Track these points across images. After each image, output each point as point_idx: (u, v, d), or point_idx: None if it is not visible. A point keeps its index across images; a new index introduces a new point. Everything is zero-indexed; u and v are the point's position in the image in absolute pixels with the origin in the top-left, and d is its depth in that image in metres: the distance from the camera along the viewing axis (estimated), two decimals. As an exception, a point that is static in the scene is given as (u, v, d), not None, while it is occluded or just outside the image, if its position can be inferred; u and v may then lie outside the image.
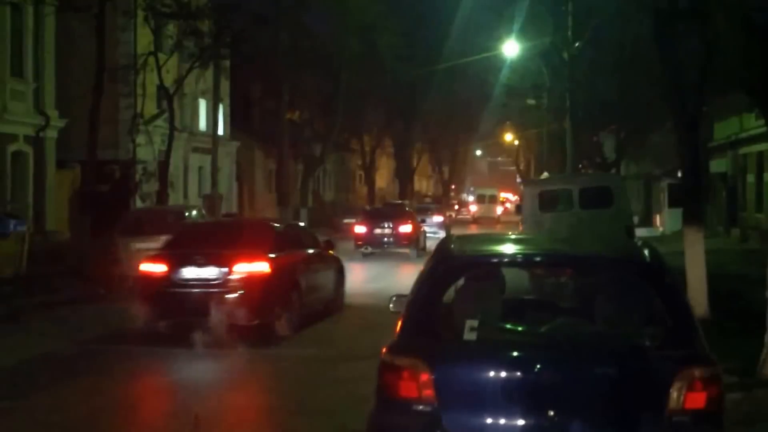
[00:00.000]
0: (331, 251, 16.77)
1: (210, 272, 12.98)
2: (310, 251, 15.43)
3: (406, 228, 28.95)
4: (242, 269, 12.94)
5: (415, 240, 29.27)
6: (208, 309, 12.51)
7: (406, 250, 28.52)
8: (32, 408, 9.40)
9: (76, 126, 27.90)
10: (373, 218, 29.67)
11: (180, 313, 13.03)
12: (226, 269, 12.92)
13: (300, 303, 13.85)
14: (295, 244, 14.88)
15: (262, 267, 13.07)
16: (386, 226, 28.79)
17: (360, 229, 29.01)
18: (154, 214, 23.37)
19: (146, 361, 11.99)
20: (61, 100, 29.24)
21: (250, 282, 12.87)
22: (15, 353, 12.60)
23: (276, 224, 16.17)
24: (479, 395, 5.33)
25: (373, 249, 28.54)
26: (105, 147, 29.04)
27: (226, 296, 12.72)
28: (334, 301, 16.20)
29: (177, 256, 13.30)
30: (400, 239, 28.67)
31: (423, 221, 34.03)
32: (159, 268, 13.27)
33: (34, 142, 28.07)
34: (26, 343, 13.50)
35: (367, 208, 39.68)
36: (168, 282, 13.06)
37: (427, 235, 31.95)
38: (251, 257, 13.09)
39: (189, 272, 13.06)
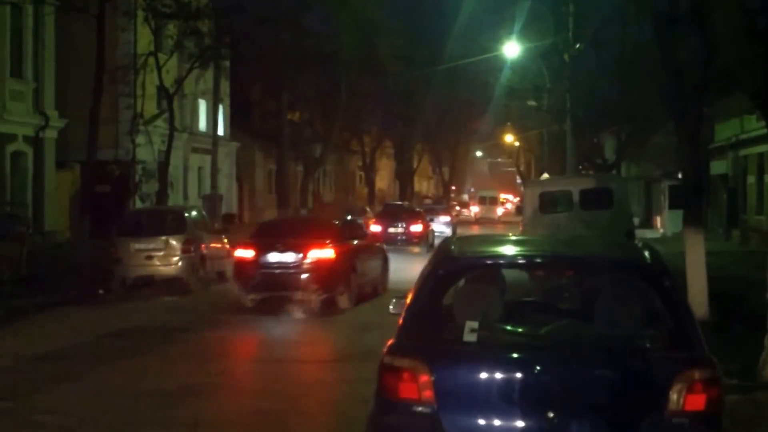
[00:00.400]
0: (378, 243, 20.82)
1: (289, 257, 16.47)
2: (363, 242, 18.75)
3: (417, 227, 32.37)
4: (313, 255, 16.36)
5: (425, 238, 32.23)
6: (287, 285, 16.20)
7: (417, 248, 31.07)
8: (31, 409, 9.38)
9: (75, 126, 27.89)
10: (387, 218, 32.51)
11: (266, 288, 16.52)
12: (301, 255, 16.37)
13: (356, 283, 17.08)
14: (352, 236, 18.12)
15: (328, 253, 16.45)
16: (399, 225, 31.96)
17: (375, 228, 30.98)
18: (153, 214, 23.38)
19: (147, 362, 11.98)
20: (60, 101, 29.23)
21: (319, 265, 16.25)
22: (12, 354, 12.58)
23: (336, 221, 19.61)
24: (479, 397, 5.32)
25: (387, 246, 30.66)
26: (105, 147, 29.04)
27: (302, 276, 16.19)
28: (381, 284, 19.05)
29: (263, 245, 16.72)
30: (411, 237, 31.70)
31: (431, 220, 36.34)
32: (249, 253, 16.72)
33: (33, 143, 28.06)
34: (24, 344, 13.48)
35: (379, 208, 42.77)
36: (257, 264, 16.48)
37: (435, 233, 33.80)
38: (320, 245, 16.46)
39: (272, 257, 16.54)
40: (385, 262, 19.81)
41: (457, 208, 71.73)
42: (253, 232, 18.62)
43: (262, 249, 16.64)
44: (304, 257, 16.36)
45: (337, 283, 16.46)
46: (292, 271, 16.34)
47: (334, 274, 16.40)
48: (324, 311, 16.20)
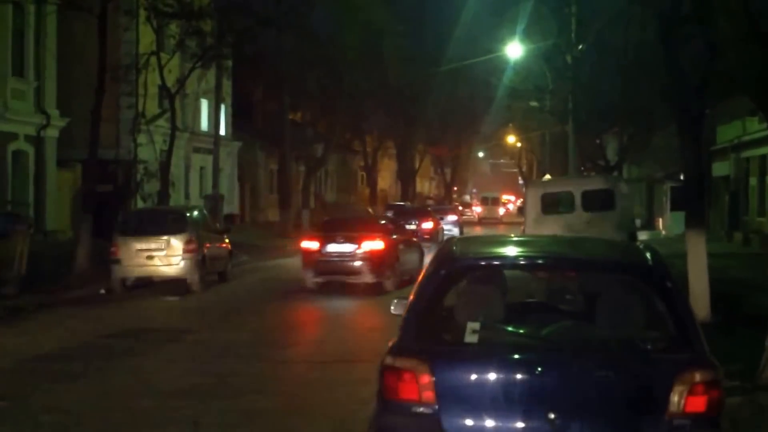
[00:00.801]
0: (415, 239, 24.67)
1: (346, 248, 19.88)
2: (403, 237, 22.18)
3: (428, 225, 36.68)
4: (366, 246, 19.78)
5: (435, 235, 35.72)
6: (345, 271, 19.75)
7: (428, 245, 32.59)
8: (31, 408, 9.36)
9: (77, 125, 27.85)
10: (401, 217, 34.91)
11: (328, 273, 19.98)
12: (356, 246, 19.81)
13: (399, 271, 20.10)
14: (395, 232, 21.63)
15: (378, 245, 19.90)
16: (413, 223, 34.78)
17: (309, 244, 33.30)
18: (154, 214, 23.34)
19: (147, 362, 11.95)
20: (62, 99, 29.18)
21: (371, 254, 19.65)
22: (12, 354, 12.56)
23: (383, 220, 24.64)
24: (480, 398, 5.31)
25: None
26: (106, 146, 29.00)
27: (356, 263, 19.57)
28: (417, 272, 20.52)
29: (325, 237, 20.29)
30: (423, 234, 34.59)
31: (441, 219, 40.97)
32: (314, 245, 20.23)
33: (35, 142, 28.02)
34: (24, 343, 13.47)
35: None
36: (320, 254, 19.94)
37: (445, 231, 37.75)
38: (372, 238, 20.00)
39: (333, 248, 19.99)
40: (421, 254, 22.56)
41: (460, 208, 72.46)
42: (318, 227, 23.15)
43: (325, 241, 20.08)
44: (359, 248, 19.75)
45: (384, 270, 19.63)
46: (348, 259, 19.68)
47: (383, 262, 19.62)
48: (374, 292, 19.04)
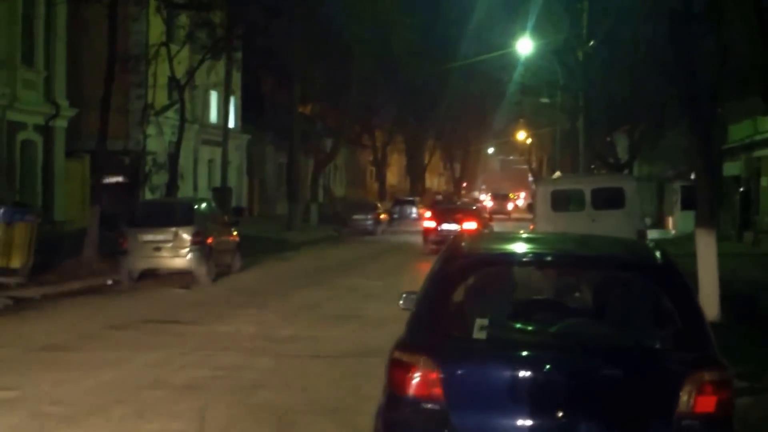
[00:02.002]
0: (491, 222, 35.12)
1: (452, 227, 28.48)
2: (486, 219, 32.44)
3: (470, 225, 42.79)
4: (466, 226, 28.51)
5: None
6: None
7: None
8: (37, 399, 9.33)
9: (86, 116, 27.87)
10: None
11: (440, 243, 24.72)
12: (458, 225, 28.71)
13: None
14: (480, 215, 32.03)
15: (473, 225, 29.03)
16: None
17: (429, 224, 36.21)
18: (162, 206, 23.33)
19: (153, 354, 11.94)
20: (71, 90, 29.19)
21: (469, 232, 23.10)
22: (19, 344, 12.56)
23: (473, 206, 36.42)
24: (488, 394, 5.29)
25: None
26: (115, 137, 29.03)
27: None
28: None
29: (439, 219, 30.36)
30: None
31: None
32: (432, 224, 30.25)
33: (43, 132, 28.03)
34: (31, 334, 13.47)
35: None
36: (436, 231, 29.47)
37: None
38: (468, 220, 29.75)
39: (445, 226, 29.33)
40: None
41: (488, 202, 74.88)
42: (433, 210, 32.75)
43: (439, 221, 30.14)
44: (461, 226, 28.27)
45: None
46: (453, 234, 23.00)
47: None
48: None
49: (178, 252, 19.87)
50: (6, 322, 14.69)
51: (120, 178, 29.76)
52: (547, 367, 5.27)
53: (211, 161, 42.09)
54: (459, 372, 5.35)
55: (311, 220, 43.46)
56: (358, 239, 37.92)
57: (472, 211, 32.49)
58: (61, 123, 28.75)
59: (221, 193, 35.50)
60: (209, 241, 20.39)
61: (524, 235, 7.51)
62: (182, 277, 20.00)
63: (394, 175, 78.94)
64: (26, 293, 17.15)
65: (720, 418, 5.22)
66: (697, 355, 5.32)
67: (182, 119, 29.36)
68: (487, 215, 35.73)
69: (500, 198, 77.42)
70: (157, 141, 33.59)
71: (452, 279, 5.87)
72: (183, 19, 30.11)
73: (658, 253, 6.01)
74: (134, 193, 30.24)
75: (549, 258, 6.35)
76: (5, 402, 9.17)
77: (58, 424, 8.47)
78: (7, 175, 25.90)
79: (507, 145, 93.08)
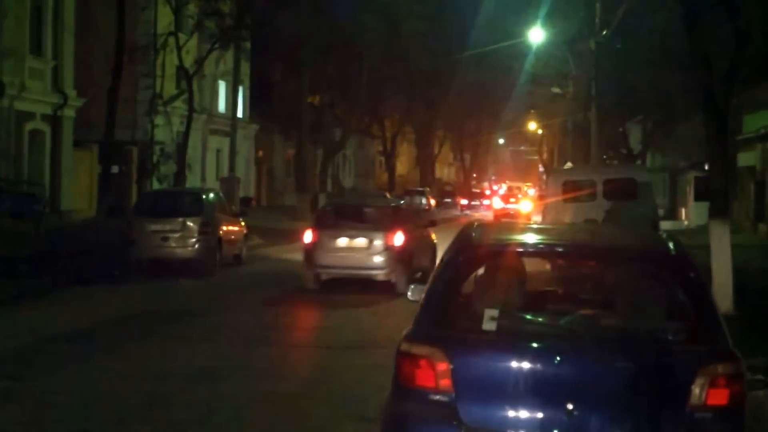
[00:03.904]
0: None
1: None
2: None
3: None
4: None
5: None
6: None
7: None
8: (43, 389, 9.26)
9: (94, 105, 27.77)
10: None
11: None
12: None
13: None
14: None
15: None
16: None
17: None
18: (170, 195, 23.24)
19: (160, 344, 11.83)
20: (79, 79, 29.07)
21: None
22: (26, 334, 12.49)
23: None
24: (497, 386, 5.22)
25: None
26: (123, 127, 28.90)
27: None
28: None
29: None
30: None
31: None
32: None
33: (51, 121, 27.92)
34: (37, 324, 13.41)
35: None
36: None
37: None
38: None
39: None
40: None
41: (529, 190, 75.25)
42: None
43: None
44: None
45: None
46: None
47: None
48: None
49: (185, 242, 19.82)
50: (13, 311, 14.59)
51: (116, 169, 29.59)
52: (558, 359, 5.20)
53: (219, 151, 42.01)
54: (468, 364, 5.27)
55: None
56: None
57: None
58: (69, 113, 28.65)
59: (229, 183, 35.41)
60: (217, 231, 20.29)
61: (535, 226, 7.40)
62: (190, 268, 19.91)
63: (403, 166, 78.81)
64: (33, 282, 17.06)
65: (732, 410, 5.16)
66: (709, 348, 5.26)
67: (190, 109, 29.26)
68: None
69: (513, 189, 76.82)
70: (165, 131, 33.49)
71: (462, 269, 5.79)
72: (191, 8, 29.99)
73: (671, 244, 5.93)
74: (142, 183, 30.16)
75: (560, 249, 6.28)
76: (7, 392, 9.09)
77: (65, 412, 8.36)
78: (15, 164, 25.84)
79: (518, 136, 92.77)
